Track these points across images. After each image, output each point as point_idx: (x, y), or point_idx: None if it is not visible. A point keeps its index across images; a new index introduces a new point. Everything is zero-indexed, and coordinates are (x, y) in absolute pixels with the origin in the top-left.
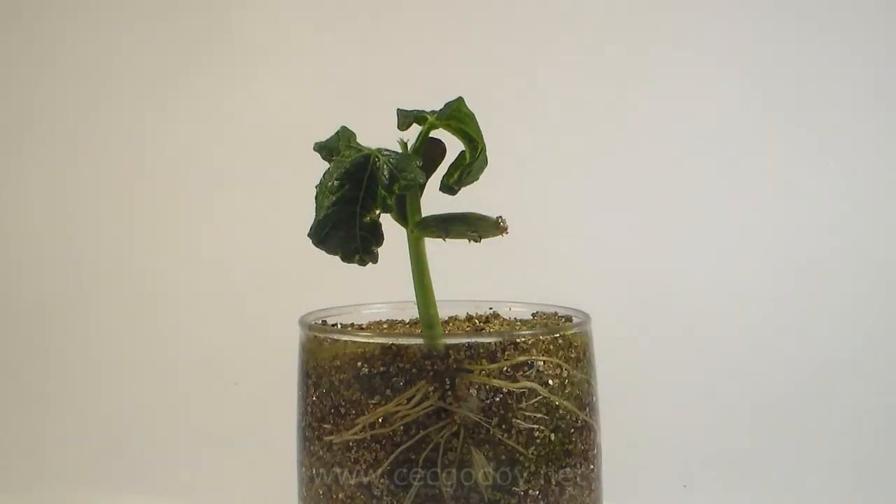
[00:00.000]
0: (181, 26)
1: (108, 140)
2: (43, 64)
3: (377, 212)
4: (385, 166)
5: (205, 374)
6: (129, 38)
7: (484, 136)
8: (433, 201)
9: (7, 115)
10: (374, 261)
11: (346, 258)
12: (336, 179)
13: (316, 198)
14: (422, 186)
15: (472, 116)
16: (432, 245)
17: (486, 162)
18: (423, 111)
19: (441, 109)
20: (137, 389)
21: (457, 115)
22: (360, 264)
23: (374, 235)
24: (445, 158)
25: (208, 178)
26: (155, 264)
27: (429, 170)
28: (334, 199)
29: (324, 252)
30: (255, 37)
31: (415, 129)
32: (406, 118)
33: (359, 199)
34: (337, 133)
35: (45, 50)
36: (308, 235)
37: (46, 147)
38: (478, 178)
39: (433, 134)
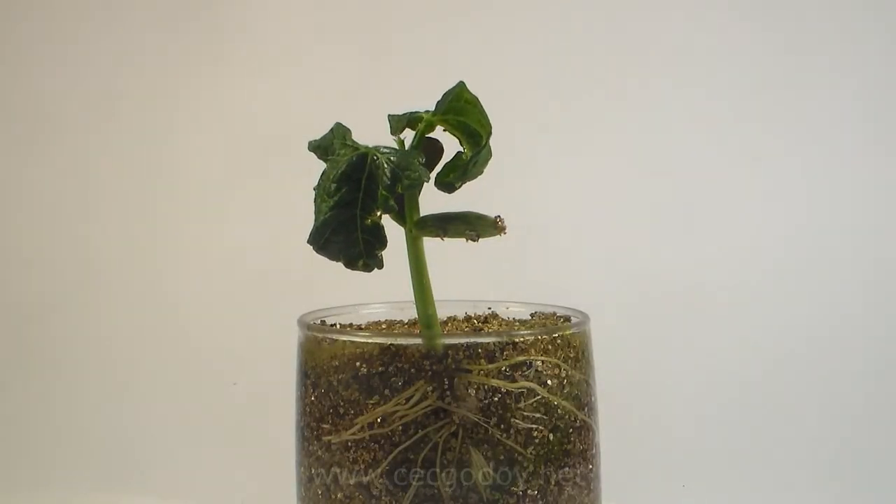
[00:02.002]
0: (183, 28)
1: (106, 142)
2: (46, 65)
3: (378, 213)
4: (385, 165)
5: (204, 374)
6: (130, 41)
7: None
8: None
9: (8, 117)
10: (380, 266)
11: (350, 264)
12: (333, 182)
13: (314, 202)
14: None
15: (474, 103)
16: (430, 244)
17: (490, 153)
18: (416, 111)
19: (439, 101)
20: (136, 389)
21: (456, 107)
22: (364, 270)
23: (378, 238)
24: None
25: (207, 177)
26: (153, 264)
27: (428, 168)
28: (332, 202)
29: (326, 259)
30: (255, 37)
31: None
32: (399, 122)
33: (358, 200)
34: (331, 130)
35: (46, 51)
36: (308, 242)
37: (47, 148)
38: (482, 172)
39: (429, 134)
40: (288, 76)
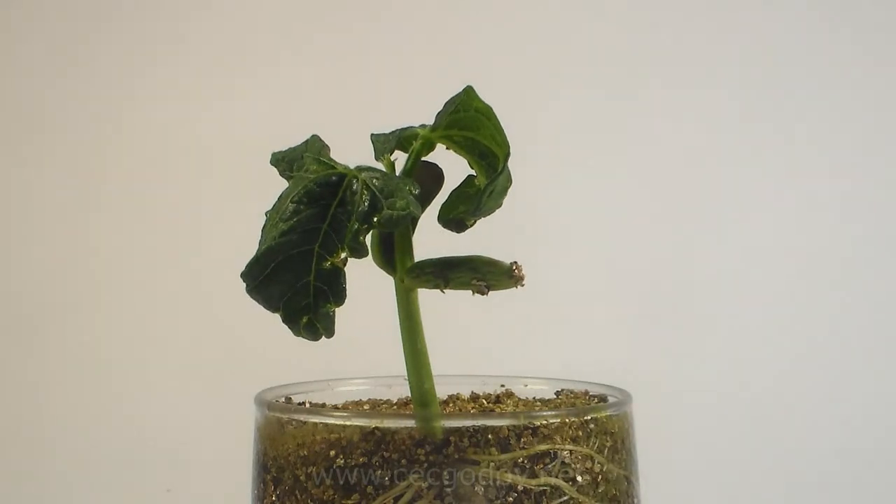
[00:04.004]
0: (157, 26)
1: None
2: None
3: (343, 255)
4: (364, 190)
5: (130, 485)
6: (105, 41)
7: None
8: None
9: None
10: (328, 331)
11: (289, 320)
12: (292, 202)
13: (263, 228)
14: (414, 221)
15: (487, 113)
16: (428, 299)
17: (509, 179)
18: (409, 127)
19: (440, 112)
20: None
21: (461, 120)
22: (306, 335)
23: (333, 289)
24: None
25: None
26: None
27: (422, 200)
28: (285, 227)
29: (261, 306)
30: (235, 39)
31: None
32: (386, 144)
33: (320, 232)
34: (305, 142)
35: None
36: (241, 276)
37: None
38: (501, 204)
39: (428, 156)
40: (277, 82)
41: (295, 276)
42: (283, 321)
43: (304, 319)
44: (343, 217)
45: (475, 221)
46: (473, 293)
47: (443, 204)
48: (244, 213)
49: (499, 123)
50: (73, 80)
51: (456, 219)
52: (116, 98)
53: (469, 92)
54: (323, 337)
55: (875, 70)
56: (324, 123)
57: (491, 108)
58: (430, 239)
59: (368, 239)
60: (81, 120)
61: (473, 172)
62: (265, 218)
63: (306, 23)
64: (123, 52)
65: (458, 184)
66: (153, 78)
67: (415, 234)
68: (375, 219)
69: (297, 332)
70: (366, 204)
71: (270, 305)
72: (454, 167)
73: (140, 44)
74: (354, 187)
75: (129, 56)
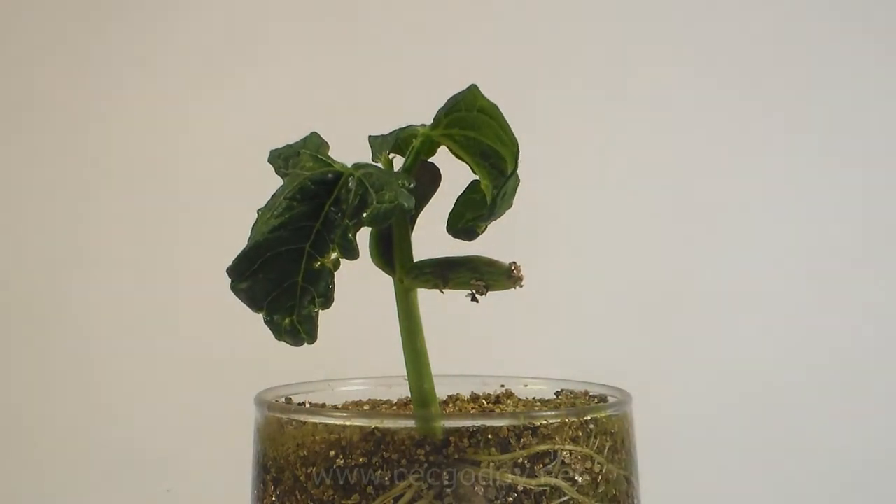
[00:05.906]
0: (156, 24)
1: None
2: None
3: (334, 255)
4: (358, 187)
5: (130, 485)
6: (107, 36)
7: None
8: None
9: None
10: (310, 336)
11: (273, 322)
12: (285, 198)
13: (254, 225)
14: (412, 218)
15: (491, 112)
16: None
17: (518, 179)
18: (410, 126)
19: (440, 110)
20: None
21: (463, 119)
22: (287, 339)
23: (318, 289)
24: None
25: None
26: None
27: (418, 199)
28: (276, 223)
29: (242, 301)
30: (233, 34)
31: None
32: (384, 144)
33: (312, 231)
34: (303, 139)
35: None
36: (227, 271)
37: None
38: (511, 204)
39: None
40: (280, 76)
41: (282, 275)
42: (265, 322)
43: (287, 322)
44: (337, 216)
45: (486, 227)
46: (473, 293)
47: (450, 213)
48: (245, 211)
49: (505, 122)
50: (66, 77)
51: (466, 227)
52: (117, 97)
53: (473, 91)
54: (305, 343)
55: (879, 70)
56: (326, 123)
57: (496, 107)
58: (430, 239)
59: (367, 239)
60: (79, 119)
61: (476, 177)
62: (257, 215)
63: (307, 21)
64: (119, 48)
65: (452, 189)
66: (151, 76)
67: (414, 235)
68: (366, 214)
69: (278, 336)
70: (357, 200)
71: (254, 304)
72: (454, 172)
73: (139, 40)
74: (350, 185)
75: (125, 52)
